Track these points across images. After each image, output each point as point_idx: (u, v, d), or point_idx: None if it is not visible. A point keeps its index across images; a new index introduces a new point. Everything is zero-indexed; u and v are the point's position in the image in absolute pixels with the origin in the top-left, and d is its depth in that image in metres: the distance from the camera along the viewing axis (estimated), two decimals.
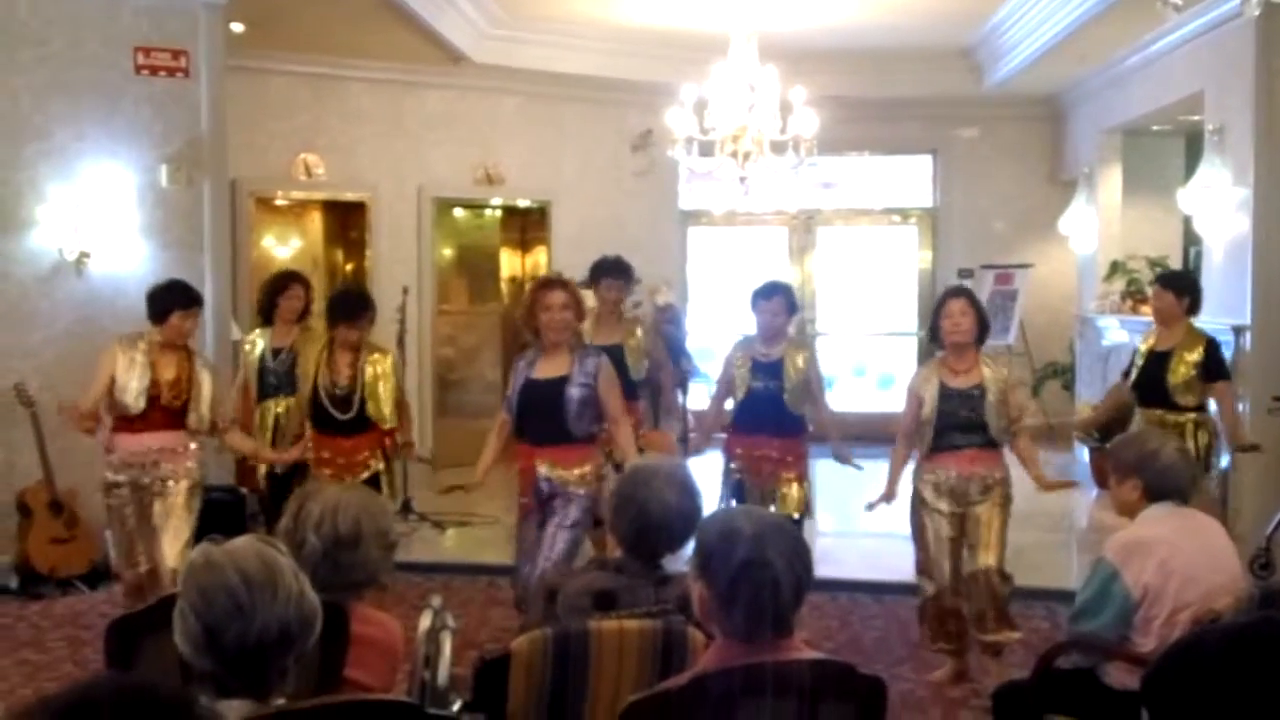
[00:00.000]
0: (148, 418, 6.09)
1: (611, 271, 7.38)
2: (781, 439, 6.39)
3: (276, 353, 7.30)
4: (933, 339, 5.96)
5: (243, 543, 2.28)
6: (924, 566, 5.82)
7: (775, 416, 6.37)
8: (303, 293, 7.40)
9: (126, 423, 6.11)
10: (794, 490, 6.35)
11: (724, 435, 6.61)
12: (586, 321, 6.42)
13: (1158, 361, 6.82)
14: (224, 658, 2.22)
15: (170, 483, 6.11)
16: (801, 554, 2.59)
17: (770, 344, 6.45)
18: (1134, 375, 6.97)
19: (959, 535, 5.69)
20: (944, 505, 5.67)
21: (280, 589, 2.25)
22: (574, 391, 5.58)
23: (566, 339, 5.69)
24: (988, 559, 5.59)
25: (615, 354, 6.61)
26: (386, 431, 6.56)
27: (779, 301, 6.46)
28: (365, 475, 6.36)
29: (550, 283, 5.81)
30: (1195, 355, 6.72)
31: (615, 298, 7.38)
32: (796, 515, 6.23)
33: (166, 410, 6.12)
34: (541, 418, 5.61)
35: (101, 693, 1.62)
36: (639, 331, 7.47)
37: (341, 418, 6.39)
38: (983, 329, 5.82)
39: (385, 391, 6.49)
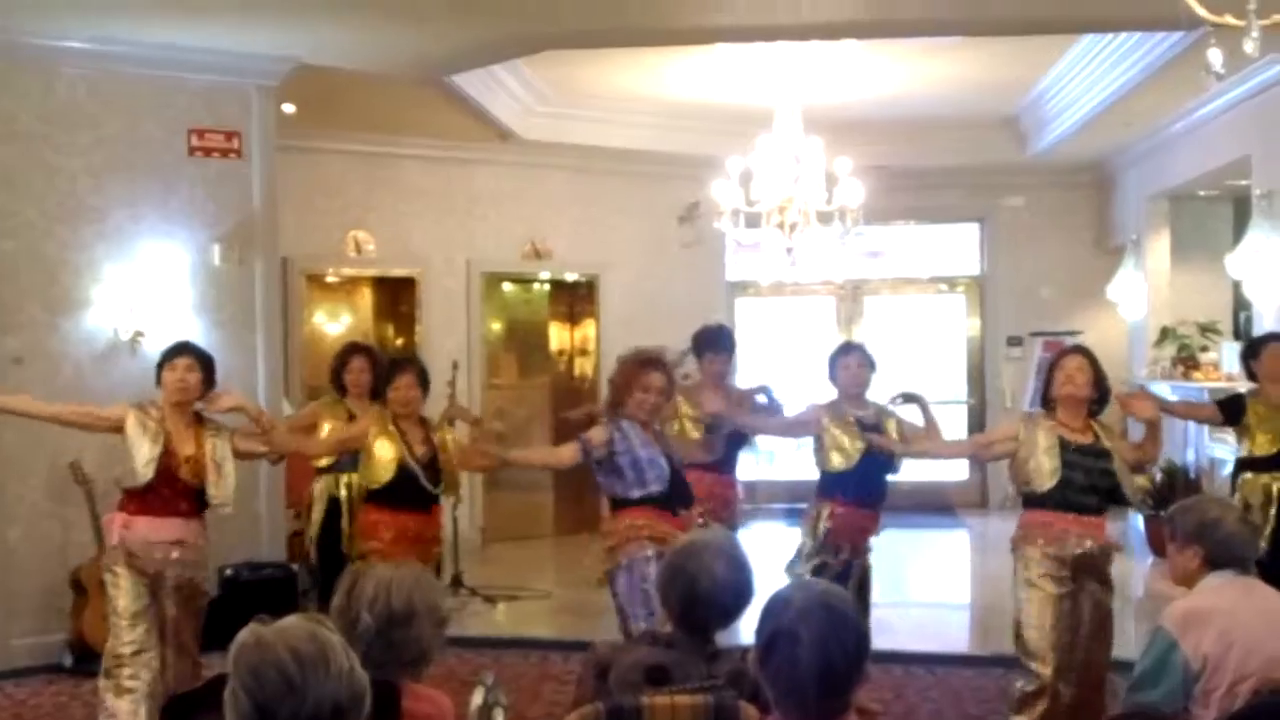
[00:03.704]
0: (164, 497, 5.67)
1: (715, 344, 6.92)
2: (875, 510, 6.15)
3: None
4: (1042, 403, 5.69)
5: (292, 621, 2.29)
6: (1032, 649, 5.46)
7: (878, 483, 6.12)
8: (367, 365, 7.16)
9: (139, 500, 5.67)
10: (866, 562, 6.17)
11: (821, 509, 6.17)
12: (682, 395, 6.20)
13: None
14: None
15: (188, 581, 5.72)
16: (841, 633, 2.53)
17: (859, 404, 6.15)
18: (1271, 447, 6.58)
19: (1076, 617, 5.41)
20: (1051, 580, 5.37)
21: (332, 666, 2.25)
22: (677, 464, 5.52)
23: (651, 422, 5.51)
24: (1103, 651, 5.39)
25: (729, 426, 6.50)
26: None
27: (860, 355, 6.23)
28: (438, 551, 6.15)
29: (653, 362, 5.51)
30: None
31: (721, 370, 6.90)
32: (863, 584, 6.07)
33: (187, 490, 5.69)
34: (682, 487, 5.50)
35: None
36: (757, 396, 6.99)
37: (434, 490, 6.02)
38: (1101, 390, 5.60)
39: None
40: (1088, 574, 5.42)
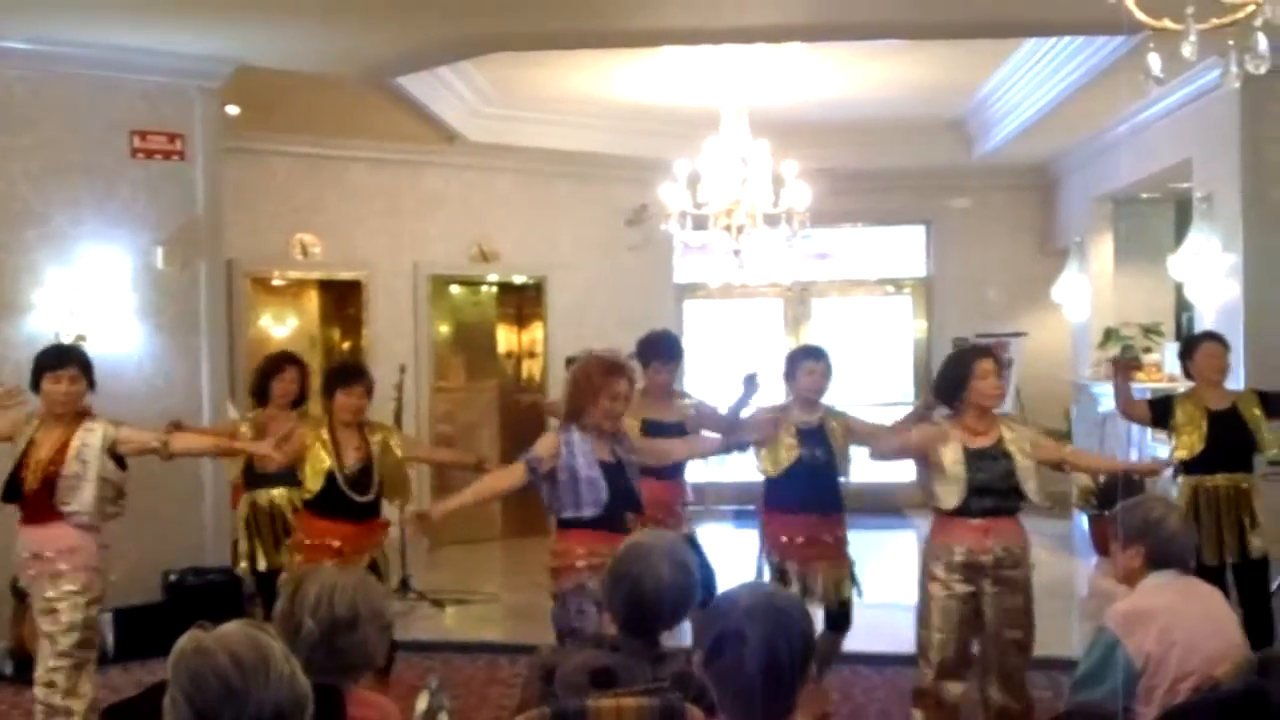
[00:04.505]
0: (28, 506, 5.48)
1: (662, 354, 6.66)
2: (827, 517, 6.03)
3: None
4: (949, 400, 5.60)
5: (232, 627, 2.27)
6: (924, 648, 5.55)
7: (823, 490, 6.00)
8: (297, 375, 7.03)
9: (22, 511, 5.50)
10: (842, 576, 6.03)
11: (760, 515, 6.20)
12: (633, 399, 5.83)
13: (1227, 422, 6.53)
14: None
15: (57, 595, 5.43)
16: (790, 635, 2.55)
17: (809, 410, 6.05)
18: (1196, 447, 6.54)
19: (972, 617, 5.43)
20: (957, 584, 5.40)
21: (272, 671, 2.23)
22: (631, 474, 5.28)
23: (614, 429, 5.30)
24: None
25: (679, 432, 6.27)
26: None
27: (827, 364, 6.06)
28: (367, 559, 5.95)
29: (619, 369, 5.30)
30: (1256, 408, 6.56)
31: (666, 380, 6.66)
32: (844, 599, 6.00)
33: (40, 496, 5.42)
34: (625, 502, 5.21)
35: None
36: (689, 403, 6.79)
37: (360, 500, 5.92)
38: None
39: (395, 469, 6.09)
40: (987, 577, 5.40)
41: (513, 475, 5.29)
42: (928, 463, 5.55)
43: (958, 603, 5.40)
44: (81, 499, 5.44)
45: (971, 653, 5.55)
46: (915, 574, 5.71)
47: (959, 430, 5.50)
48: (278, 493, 6.88)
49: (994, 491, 5.41)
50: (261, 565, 6.88)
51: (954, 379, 5.54)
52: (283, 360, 7.23)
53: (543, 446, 5.23)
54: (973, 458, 5.42)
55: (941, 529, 5.51)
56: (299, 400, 7.02)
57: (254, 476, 6.94)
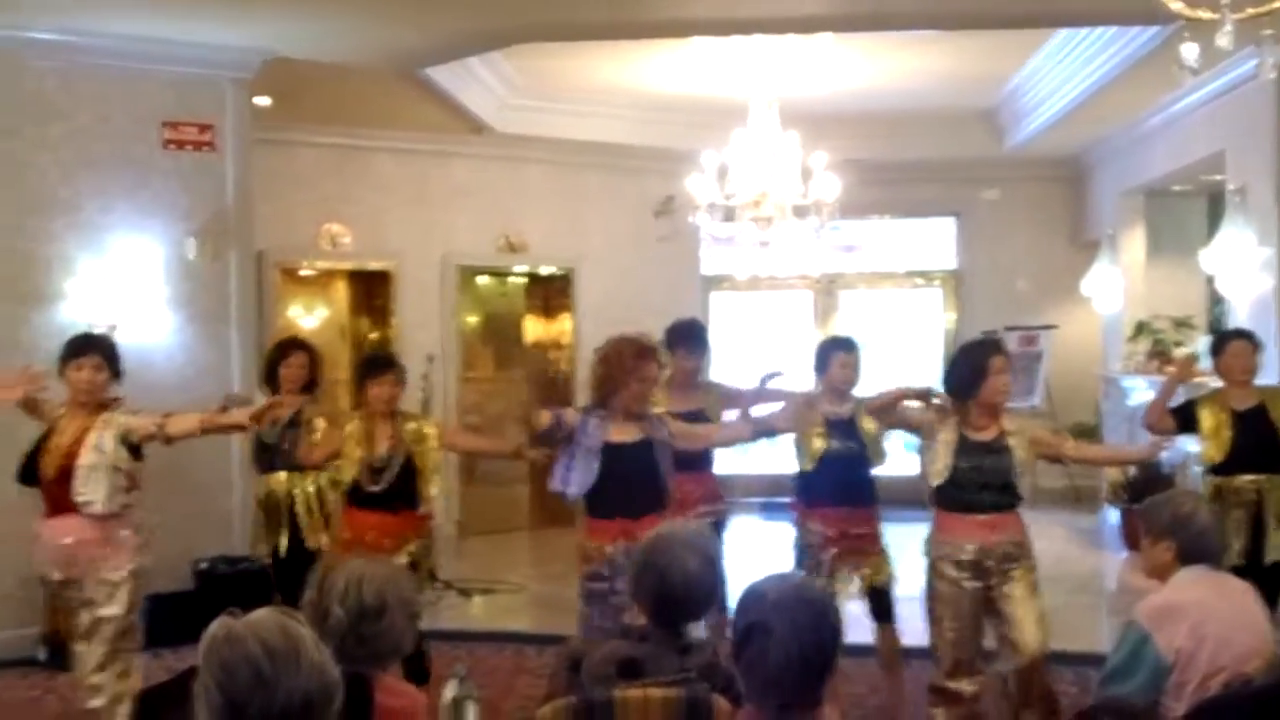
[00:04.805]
0: (50, 498, 5.46)
1: (689, 341, 6.63)
2: (860, 509, 5.92)
3: (275, 423, 6.72)
4: (961, 395, 5.44)
5: (263, 614, 2.28)
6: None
7: (854, 483, 5.89)
8: (305, 361, 6.95)
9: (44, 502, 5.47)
10: (879, 565, 5.93)
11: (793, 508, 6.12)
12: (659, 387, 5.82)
13: (1253, 422, 6.31)
14: None
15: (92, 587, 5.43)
16: (819, 626, 2.55)
17: (840, 401, 5.93)
18: (1225, 446, 6.32)
19: (980, 613, 5.36)
20: (965, 580, 5.32)
21: (303, 659, 2.24)
22: (660, 455, 5.22)
23: (644, 411, 5.29)
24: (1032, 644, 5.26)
25: (697, 418, 6.17)
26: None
27: (858, 355, 5.98)
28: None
29: (650, 351, 5.28)
30: None
31: (694, 367, 6.63)
32: (879, 589, 5.91)
33: (60, 488, 5.40)
34: (637, 486, 5.14)
35: None
36: (715, 394, 6.70)
37: (373, 489, 5.86)
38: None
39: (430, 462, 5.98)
40: (989, 572, 5.30)
41: (540, 417, 5.30)
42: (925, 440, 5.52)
43: (968, 600, 5.33)
44: (94, 489, 5.39)
45: (985, 647, 5.49)
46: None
47: (961, 423, 5.42)
48: (281, 478, 6.81)
49: (992, 487, 5.32)
50: (265, 550, 6.89)
51: (967, 375, 5.41)
52: (289, 346, 7.18)
53: (568, 414, 5.30)
54: (969, 449, 5.34)
55: (946, 525, 5.41)
56: (310, 385, 6.98)
57: (266, 466, 6.92)
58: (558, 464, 5.23)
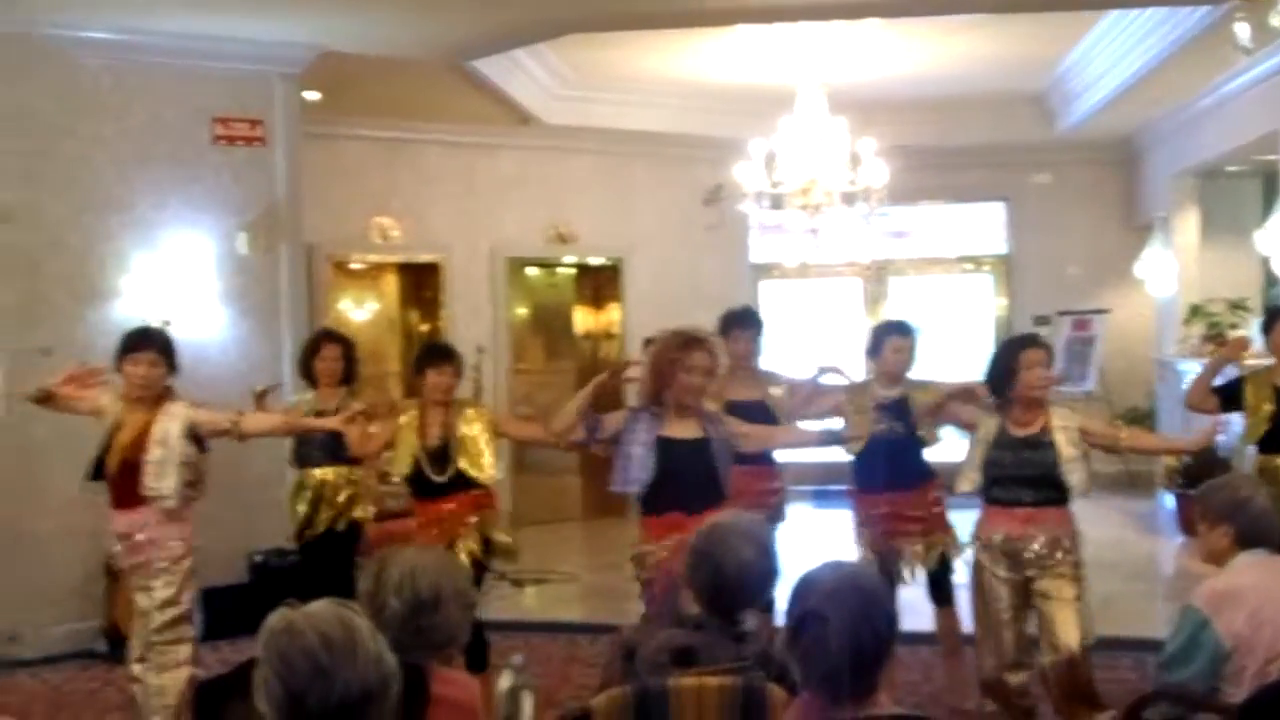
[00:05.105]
0: (114, 489, 5.54)
1: (741, 322, 6.58)
2: (913, 490, 5.93)
3: (320, 416, 6.56)
4: (998, 392, 5.39)
5: (321, 606, 2.30)
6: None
7: (905, 464, 5.89)
8: (339, 353, 6.87)
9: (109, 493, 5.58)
10: (935, 546, 5.92)
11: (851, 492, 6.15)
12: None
13: None
14: None
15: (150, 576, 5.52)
16: (873, 615, 2.54)
17: (891, 385, 5.94)
18: (1262, 428, 6.22)
19: (1020, 605, 5.31)
20: (1001, 570, 5.30)
21: (360, 651, 2.26)
22: (718, 452, 5.05)
23: (698, 405, 5.12)
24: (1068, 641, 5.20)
25: (757, 412, 5.91)
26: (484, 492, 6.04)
27: (914, 340, 5.97)
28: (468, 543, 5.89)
29: (695, 341, 5.09)
30: None
31: (746, 350, 6.50)
32: (939, 572, 5.92)
33: (125, 481, 5.48)
34: (693, 482, 4.94)
35: None
36: (782, 386, 6.53)
37: (438, 480, 5.88)
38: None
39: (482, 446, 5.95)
40: (1027, 564, 5.25)
41: (568, 415, 5.22)
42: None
43: (1008, 590, 5.29)
44: (165, 483, 5.45)
45: (1030, 636, 5.43)
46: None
47: (1005, 417, 5.37)
48: (321, 472, 6.78)
49: (1028, 482, 5.26)
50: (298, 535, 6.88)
51: (1001, 371, 5.36)
52: (323, 338, 7.11)
53: (610, 418, 5.17)
54: (1008, 444, 5.30)
55: (985, 517, 5.41)
56: (346, 378, 6.91)
57: (302, 456, 6.85)
58: (615, 464, 5.14)
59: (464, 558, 5.66)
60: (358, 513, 6.79)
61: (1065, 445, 5.26)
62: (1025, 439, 5.30)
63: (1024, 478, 5.26)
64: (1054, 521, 5.26)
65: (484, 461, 5.95)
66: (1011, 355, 5.36)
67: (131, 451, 5.49)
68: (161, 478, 5.46)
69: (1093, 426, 5.55)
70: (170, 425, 5.51)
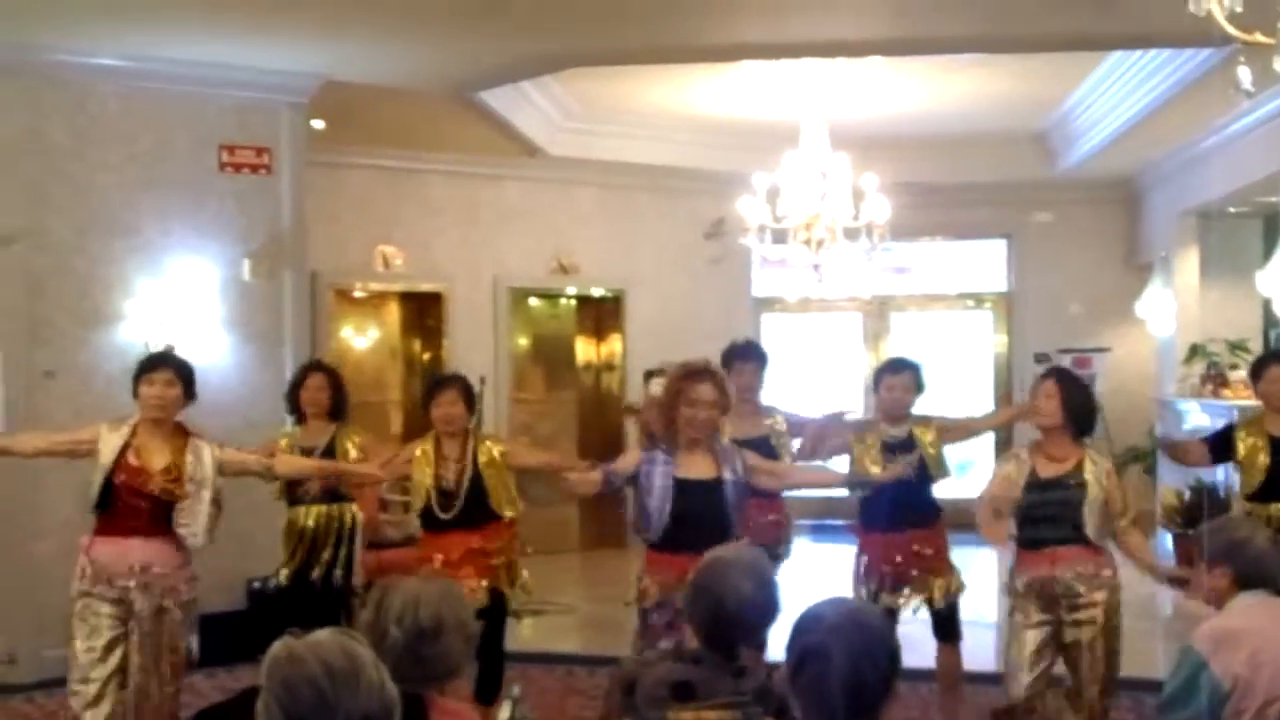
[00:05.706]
0: (126, 517, 5.34)
1: (744, 355, 6.54)
2: (922, 529, 5.91)
3: (306, 454, 6.56)
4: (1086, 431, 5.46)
5: (324, 635, 2.31)
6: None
7: (914, 502, 5.83)
8: (324, 384, 6.73)
9: (104, 521, 5.37)
10: (942, 585, 5.91)
11: (854, 531, 6.13)
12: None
13: None
14: None
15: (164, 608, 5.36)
16: (875, 652, 2.55)
17: (896, 423, 5.95)
18: (1261, 473, 6.19)
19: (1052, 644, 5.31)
20: (1034, 613, 5.31)
21: (363, 680, 2.27)
22: (730, 494, 4.99)
23: (707, 439, 5.06)
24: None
25: (760, 449, 5.78)
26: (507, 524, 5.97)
27: (909, 377, 5.97)
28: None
29: (699, 373, 5.02)
30: None
31: (749, 383, 6.41)
32: (944, 609, 5.92)
33: (156, 507, 5.33)
34: (705, 525, 4.83)
35: None
36: (779, 418, 6.51)
37: (444, 517, 5.83)
38: (1076, 416, 5.37)
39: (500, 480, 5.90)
40: (1059, 605, 5.29)
41: (589, 481, 5.27)
42: None
43: (1036, 632, 5.31)
44: (197, 521, 5.36)
45: (1056, 676, 5.45)
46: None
47: (1038, 455, 5.42)
48: (317, 511, 6.75)
49: (1050, 521, 5.29)
50: (283, 576, 6.82)
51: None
52: (307, 369, 6.99)
53: (622, 462, 5.21)
54: (1035, 487, 5.33)
55: (1016, 557, 5.47)
56: (335, 412, 6.76)
57: (294, 497, 6.77)
58: (637, 509, 5.13)
59: (483, 595, 5.64)
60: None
61: (1095, 487, 5.29)
62: (1054, 480, 5.33)
63: (1050, 516, 5.30)
64: (1080, 560, 5.28)
65: (514, 496, 5.93)
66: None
67: (169, 486, 5.34)
68: (194, 516, 5.36)
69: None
70: (200, 466, 5.39)
